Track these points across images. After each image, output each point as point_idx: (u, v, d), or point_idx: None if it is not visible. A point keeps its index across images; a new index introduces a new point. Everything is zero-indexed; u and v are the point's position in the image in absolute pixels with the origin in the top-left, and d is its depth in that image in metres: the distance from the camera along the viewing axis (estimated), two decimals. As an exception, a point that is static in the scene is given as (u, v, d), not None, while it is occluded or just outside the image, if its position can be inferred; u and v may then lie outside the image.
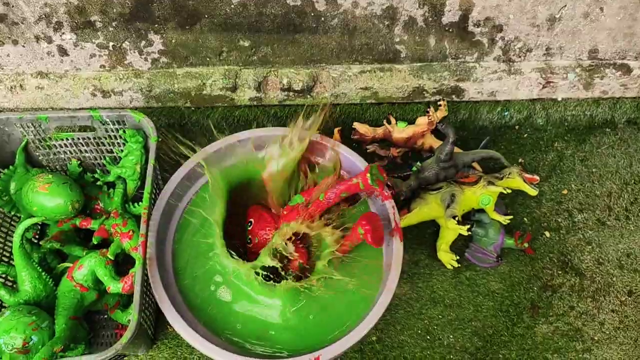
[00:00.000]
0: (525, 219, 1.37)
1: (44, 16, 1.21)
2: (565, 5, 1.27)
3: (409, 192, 1.32)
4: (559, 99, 1.50)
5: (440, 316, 1.24)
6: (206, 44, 1.30)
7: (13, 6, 1.19)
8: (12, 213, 1.18)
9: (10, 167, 1.17)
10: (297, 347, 1.04)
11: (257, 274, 1.05)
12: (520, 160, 1.46)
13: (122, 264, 1.20)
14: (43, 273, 1.07)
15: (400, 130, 1.39)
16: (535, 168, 1.45)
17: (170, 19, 1.24)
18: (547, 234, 1.35)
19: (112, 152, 1.23)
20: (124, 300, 1.15)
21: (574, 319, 1.24)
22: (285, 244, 1.08)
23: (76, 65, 1.33)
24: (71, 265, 1.10)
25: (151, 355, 1.17)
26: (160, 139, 1.16)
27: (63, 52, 1.30)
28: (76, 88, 1.36)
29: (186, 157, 1.16)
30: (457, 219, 1.19)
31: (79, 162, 1.24)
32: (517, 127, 1.51)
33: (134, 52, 1.31)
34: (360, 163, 1.19)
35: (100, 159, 1.25)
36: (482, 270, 1.30)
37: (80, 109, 1.41)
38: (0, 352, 0.97)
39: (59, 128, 1.17)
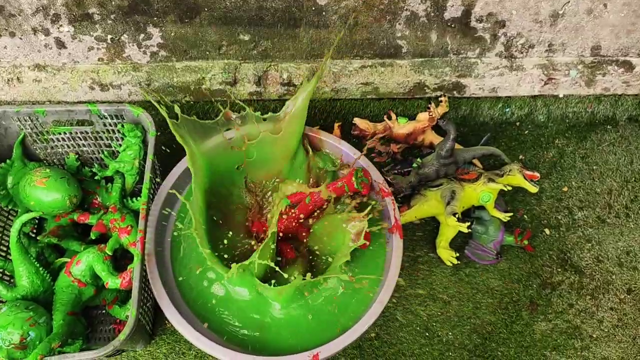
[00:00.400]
0: (525, 216, 1.37)
1: (41, 8, 1.20)
2: (569, 1, 1.26)
3: (409, 189, 1.31)
4: (561, 95, 1.49)
5: (439, 313, 1.24)
6: (206, 37, 1.29)
7: (10, -2, 1.18)
8: (9, 207, 1.17)
9: (7, 160, 1.16)
10: (295, 344, 1.04)
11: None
12: (520, 157, 1.45)
13: (120, 259, 1.19)
14: (40, 268, 1.07)
15: (400, 126, 1.38)
16: (536, 165, 1.44)
17: (170, 12, 1.22)
18: (547, 231, 1.35)
19: (110, 146, 1.22)
20: (122, 296, 1.14)
21: (573, 317, 1.24)
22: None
23: (74, 58, 1.32)
24: (69, 260, 1.09)
25: (149, 351, 1.17)
26: (159, 133, 1.15)
27: (61, 44, 1.28)
28: (74, 81, 1.35)
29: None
30: (457, 216, 1.18)
31: (76, 156, 1.23)
32: (518, 123, 1.51)
33: (133, 45, 1.30)
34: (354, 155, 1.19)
35: (99, 153, 1.24)
36: (482, 267, 1.29)
37: (78, 102, 1.40)
38: (-2, 348, 0.96)
39: (57, 122, 1.16)
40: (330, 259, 1.10)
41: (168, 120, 1.06)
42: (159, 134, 1.15)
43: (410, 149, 1.43)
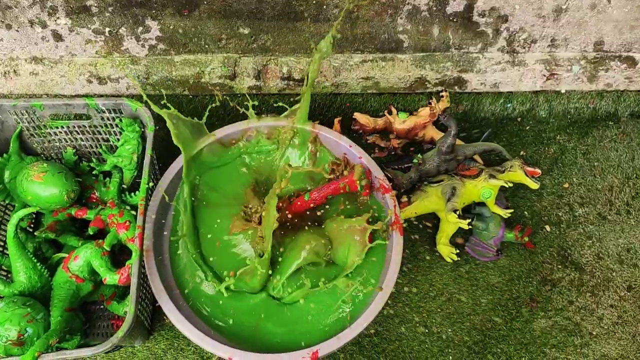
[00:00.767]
0: (525, 212, 1.36)
1: (38, 0, 1.18)
2: (572, -4, 1.25)
3: (409, 184, 1.31)
4: (563, 91, 1.48)
5: (439, 309, 1.23)
6: (205, 30, 1.27)
7: (6, -11, 1.16)
8: (6, 202, 1.16)
9: (4, 155, 1.15)
10: (292, 341, 1.04)
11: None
12: (521, 153, 1.44)
13: (118, 254, 1.18)
14: (38, 264, 1.06)
15: (401, 121, 1.37)
16: (537, 161, 1.44)
17: (168, 4, 1.21)
18: (548, 228, 1.34)
19: (108, 140, 1.21)
20: (120, 292, 1.14)
21: (573, 314, 1.24)
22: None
23: (71, 51, 1.30)
24: (67, 255, 1.08)
25: (148, 347, 1.16)
26: (157, 127, 1.14)
27: (58, 37, 1.27)
28: (71, 74, 1.34)
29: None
30: (457, 212, 1.18)
31: (74, 150, 1.22)
32: (519, 119, 1.50)
33: (131, 38, 1.28)
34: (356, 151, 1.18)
35: (97, 147, 1.23)
36: (482, 264, 1.29)
37: (75, 95, 1.38)
38: (-5, 344, 0.96)
39: (54, 116, 1.14)
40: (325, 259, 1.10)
41: (174, 135, 1.08)
42: (157, 128, 1.14)
43: (410, 144, 1.42)
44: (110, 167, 1.20)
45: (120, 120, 1.14)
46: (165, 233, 1.12)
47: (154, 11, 1.22)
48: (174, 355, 1.15)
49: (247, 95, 1.29)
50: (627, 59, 1.42)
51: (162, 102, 1.10)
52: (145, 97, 1.08)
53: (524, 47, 1.37)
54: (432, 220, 1.34)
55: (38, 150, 1.21)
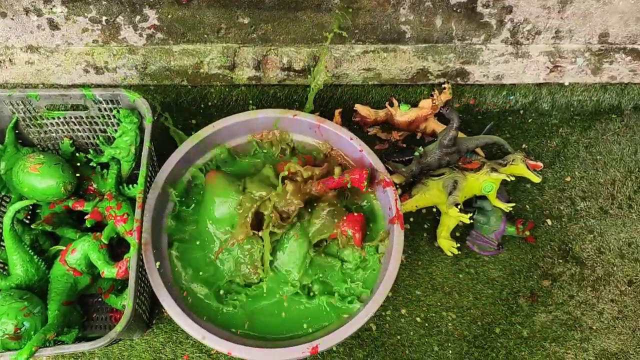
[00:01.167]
0: (527, 206, 1.35)
1: (33, -13, 1.16)
2: (578, -13, 1.23)
3: (410, 177, 1.29)
4: (566, 83, 1.46)
5: (439, 303, 1.23)
6: (204, 20, 1.25)
7: (0, -24, 1.14)
8: (3, 193, 1.14)
9: (0, 146, 1.13)
10: (291, 334, 1.04)
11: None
12: (523, 145, 1.43)
13: (116, 247, 1.17)
14: (35, 257, 1.05)
15: (402, 114, 1.36)
16: (539, 154, 1.42)
17: (166, -7, 1.18)
18: (549, 221, 1.34)
19: (105, 132, 1.20)
20: (119, 285, 1.13)
21: (573, 308, 1.23)
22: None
23: (68, 40, 1.28)
24: (64, 248, 1.07)
25: (146, 340, 1.16)
26: (155, 118, 1.12)
27: (54, 26, 1.24)
28: (68, 63, 1.31)
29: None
30: (459, 207, 1.17)
31: (71, 141, 1.21)
32: (521, 111, 1.48)
33: (128, 27, 1.26)
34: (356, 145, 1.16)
35: (94, 138, 1.22)
36: (482, 258, 1.28)
37: (72, 85, 1.36)
38: (-8, 338, 0.95)
39: (50, 106, 1.12)
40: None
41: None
42: (155, 119, 1.12)
43: (412, 136, 1.41)
44: (108, 159, 1.18)
45: (118, 112, 1.12)
46: (163, 225, 1.10)
47: (151, -1, 1.20)
48: (172, 348, 1.15)
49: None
50: (632, 51, 1.40)
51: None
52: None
53: (528, 39, 1.35)
54: (433, 213, 1.33)
55: (34, 141, 1.20)
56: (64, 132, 1.19)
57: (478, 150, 1.35)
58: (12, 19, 1.22)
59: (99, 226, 1.13)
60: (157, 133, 1.34)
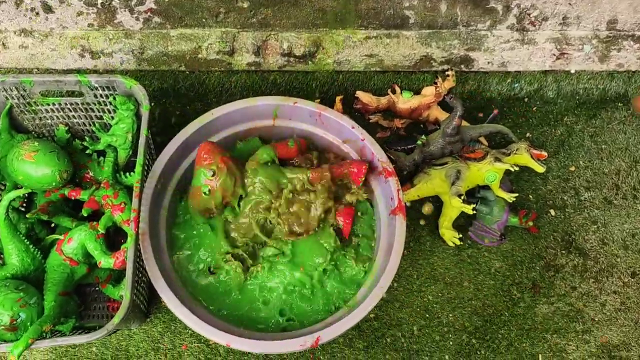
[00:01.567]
0: (530, 196, 1.33)
1: (26, -31, 1.12)
2: (588, -28, 1.19)
3: (413, 167, 1.27)
4: (572, 71, 1.43)
5: (440, 294, 1.21)
6: (202, 4, 1.21)
7: (-8, -43, 1.10)
8: (-3, 181, 1.12)
9: (-6, 132, 1.11)
10: (293, 327, 1.03)
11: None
12: (527, 134, 1.41)
13: (113, 236, 1.16)
14: (31, 246, 1.03)
15: (405, 101, 1.33)
16: (543, 143, 1.40)
17: (163, -25, 1.15)
18: (552, 212, 1.32)
19: (102, 118, 1.17)
20: (116, 275, 1.11)
21: (575, 300, 1.22)
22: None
23: (62, 24, 1.25)
24: (60, 237, 1.05)
25: (144, 329, 1.15)
26: (153, 104, 1.09)
27: (48, 9, 1.21)
28: (62, 48, 1.28)
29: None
30: (462, 197, 1.15)
31: (66, 128, 1.18)
32: (526, 99, 1.45)
33: (125, 11, 1.23)
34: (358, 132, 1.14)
35: (90, 125, 1.19)
36: (484, 249, 1.27)
37: (67, 70, 1.33)
38: (-12, 329, 0.93)
39: (45, 92, 1.10)
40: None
41: None
42: (153, 105, 1.09)
43: (414, 124, 1.38)
44: (104, 146, 1.16)
45: (114, 98, 1.10)
46: (162, 215, 1.09)
47: (148, -18, 1.16)
48: (170, 338, 1.14)
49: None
50: (640, 38, 1.37)
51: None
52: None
53: (535, 25, 1.32)
54: (435, 202, 1.31)
55: (29, 128, 1.17)
56: (59, 119, 1.16)
57: (481, 139, 1.33)
58: (5, 1, 1.18)
59: (96, 215, 1.11)
60: (154, 120, 1.32)
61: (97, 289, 1.14)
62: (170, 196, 1.12)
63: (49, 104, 1.12)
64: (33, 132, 1.18)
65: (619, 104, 1.46)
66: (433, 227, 1.28)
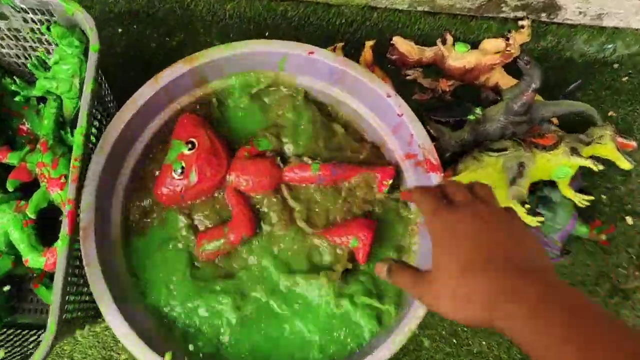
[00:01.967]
0: (602, 196, 1.03)
1: None
2: None
3: (459, 148, 0.96)
4: (687, 33, 1.06)
5: (473, 316, 0.95)
6: None
7: None
8: None
9: None
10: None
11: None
12: (610, 113, 1.07)
13: (52, 219, 0.86)
14: None
15: (458, 56, 0.98)
16: (630, 127, 1.07)
17: None
18: (629, 220, 1.02)
19: (36, 50, 0.84)
20: (52, 274, 0.84)
21: (644, 337, 0.96)
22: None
23: None
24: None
25: (95, 333, 0.90)
26: (117, 32, 0.76)
27: None
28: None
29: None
30: (526, 206, 0.84)
31: (-7, 59, 0.86)
32: (616, 65, 1.09)
33: None
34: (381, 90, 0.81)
35: (25, 58, 0.86)
36: (538, 263, 0.98)
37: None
38: None
39: (-47, 10, 0.76)
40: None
41: None
42: (116, 33, 0.76)
43: (464, 88, 1.04)
44: (42, 92, 0.84)
45: (48, 29, 0.76)
46: (115, 203, 0.79)
47: None
48: (127, 347, 0.89)
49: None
50: None
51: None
52: None
53: (657, -35, 0.94)
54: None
55: (-60, 56, 0.85)
56: (-22, 46, 0.83)
57: (552, 118, 1.00)
58: None
59: (27, 189, 0.81)
60: (112, 61, 0.98)
61: (35, 274, 0.88)
62: (129, 176, 0.81)
63: (-40, 26, 0.79)
64: (-53, 63, 0.86)
65: None
66: (475, 228, 0.99)
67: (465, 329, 0.95)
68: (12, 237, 0.76)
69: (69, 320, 0.72)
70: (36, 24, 0.78)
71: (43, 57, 0.83)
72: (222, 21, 1.02)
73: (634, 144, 0.92)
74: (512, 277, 0.38)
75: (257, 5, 1.00)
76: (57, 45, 0.78)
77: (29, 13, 0.75)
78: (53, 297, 0.65)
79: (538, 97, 0.97)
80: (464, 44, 1.00)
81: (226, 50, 0.79)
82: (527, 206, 0.84)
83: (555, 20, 1.04)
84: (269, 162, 0.78)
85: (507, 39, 0.94)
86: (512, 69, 0.96)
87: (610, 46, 1.06)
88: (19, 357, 0.73)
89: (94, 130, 0.79)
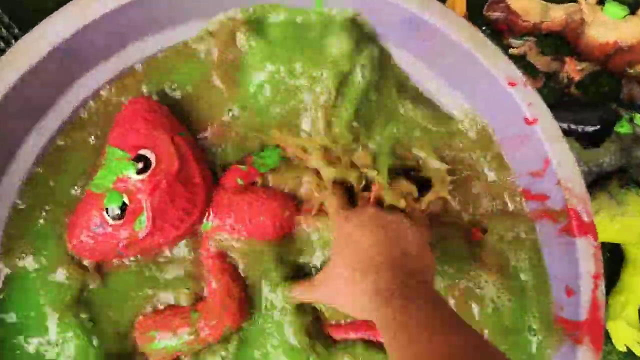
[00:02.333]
0: None
1: None
2: None
3: (595, 175, 0.59)
4: None
5: None
6: None
7: None
8: None
9: None
10: None
11: None
12: None
13: None
14: None
15: (608, 23, 0.59)
16: None
17: None
18: None
19: None
20: None
21: None
22: None
23: None
24: None
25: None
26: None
27: None
28: None
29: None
30: None
31: None
32: None
33: None
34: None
35: None
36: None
37: None
38: None
39: None
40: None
41: None
42: None
43: (605, 79, 0.65)
44: None
45: None
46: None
47: None
48: None
49: None
50: None
51: None
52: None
53: None
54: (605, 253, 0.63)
55: None
56: None
57: None
58: None
59: None
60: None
61: None
62: (28, 169, 0.44)
63: None
64: None
65: None
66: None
67: None
68: None
69: None
70: None
71: None
72: None
73: None
74: (391, 277, 0.39)
75: None
76: None
77: None
78: None
79: None
80: (620, 5, 0.60)
81: None
82: None
83: None
84: (279, 195, 0.42)
85: None
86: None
87: None
88: None
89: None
